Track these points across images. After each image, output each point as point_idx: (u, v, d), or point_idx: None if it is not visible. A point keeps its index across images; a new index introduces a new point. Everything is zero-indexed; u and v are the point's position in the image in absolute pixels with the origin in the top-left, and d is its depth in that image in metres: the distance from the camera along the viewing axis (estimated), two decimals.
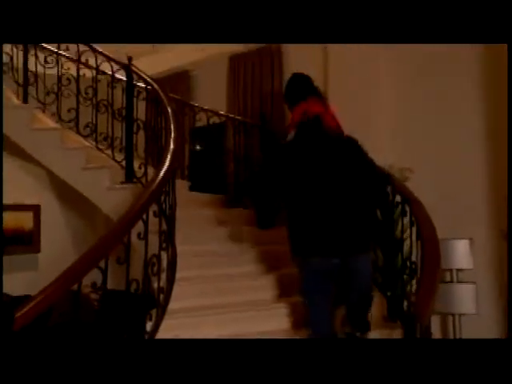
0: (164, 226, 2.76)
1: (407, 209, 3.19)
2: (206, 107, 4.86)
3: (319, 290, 2.66)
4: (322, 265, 2.62)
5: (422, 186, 3.50)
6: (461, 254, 3.50)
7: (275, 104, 4.71)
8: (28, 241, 4.91)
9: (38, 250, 4.96)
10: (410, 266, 3.10)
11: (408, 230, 3.20)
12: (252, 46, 4.87)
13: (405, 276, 3.24)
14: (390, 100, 4.15)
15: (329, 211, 2.62)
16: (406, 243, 3.29)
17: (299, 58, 4.65)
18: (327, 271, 2.63)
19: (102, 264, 2.22)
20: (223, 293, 3.01)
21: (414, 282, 3.01)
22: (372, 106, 4.15)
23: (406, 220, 3.24)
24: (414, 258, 3.05)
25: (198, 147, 4.59)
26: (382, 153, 3.96)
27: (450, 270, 3.54)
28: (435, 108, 3.95)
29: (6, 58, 3.78)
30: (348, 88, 4.23)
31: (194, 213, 3.77)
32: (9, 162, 4.72)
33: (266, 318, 2.93)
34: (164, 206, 2.74)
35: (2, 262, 2.77)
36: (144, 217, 2.46)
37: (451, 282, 3.53)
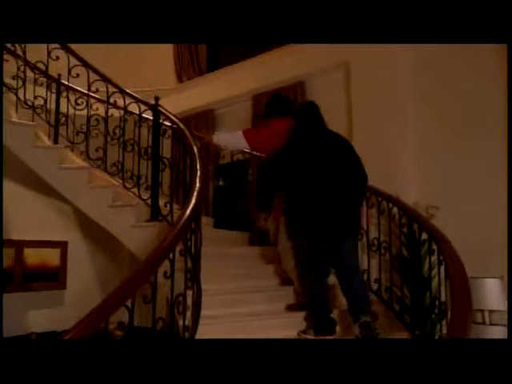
0: (189, 265, 2.76)
1: (434, 247, 3.14)
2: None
3: (318, 265, 3.11)
4: (321, 244, 3.08)
5: (448, 222, 3.46)
6: (492, 293, 3.39)
7: None
8: (55, 277, 4.97)
9: (64, 287, 5.02)
10: (439, 306, 3.02)
11: (436, 268, 3.14)
12: (275, 84, 4.95)
13: (433, 315, 3.17)
14: (413, 137, 4.16)
15: (327, 200, 3.02)
16: (434, 282, 3.23)
17: (321, 92, 4.72)
18: (325, 250, 3.09)
19: (128, 303, 2.22)
20: (249, 331, 2.97)
21: (443, 322, 2.93)
22: (396, 145, 4.15)
23: (434, 258, 3.19)
24: (443, 298, 2.98)
25: (222, 184, 4.64)
26: (407, 190, 3.96)
27: (482, 311, 3.42)
28: (457, 141, 3.92)
29: (40, 101, 3.92)
30: (371, 125, 4.26)
31: (219, 250, 3.77)
32: (38, 200, 4.86)
33: None
34: (189, 244, 2.75)
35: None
36: (170, 256, 2.47)
37: (483, 323, 3.42)
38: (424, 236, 3.46)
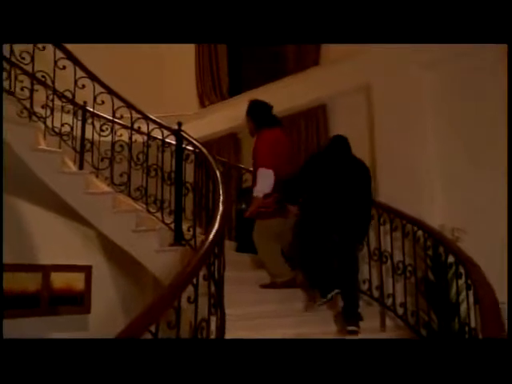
0: (213, 289, 2.76)
1: (462, 270, 3.07)
2: (251, 168, 4.95)
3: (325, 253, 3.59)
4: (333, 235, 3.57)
5: (474, 245, 3.39)
6: None
7: None
8: (79, 301, 5.01)
9: (88, 311, 5.05)
10: (468, 332, 2.94)
11: (464, 292, 3.07)
12: (297, 108, 4.99)
13: None
14: (436, 159, 4.11)
15: (340, 206, 3.55)
16: (463, 306, 3.15)
17: (343, 115, 4.73)
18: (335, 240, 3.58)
19: (152, 328, 2.22)
20: None
21: None
22: (419, 167, 4.11)
23: (461, 281, 3.11)
24: (472, 324, 2.90)
25: (244, 207, 4.63)
26: (432, 212, 3.91)
27: None
28: (483, 163, 3.86)
29: (67, 128, 4.01)
30: (393, 147, 4.24)
31: (242, 274, 3.76)
32: (63, 224, 4.94)
33: None
34: (213, 268, 2.75)
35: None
36: (194, 281, 2.47)
37: None
38: (450, 259, 3.39)
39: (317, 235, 3.58)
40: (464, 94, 4.01)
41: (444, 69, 4.09)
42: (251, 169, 4.81)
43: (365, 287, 4.06)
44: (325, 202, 3.57)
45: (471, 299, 2.89)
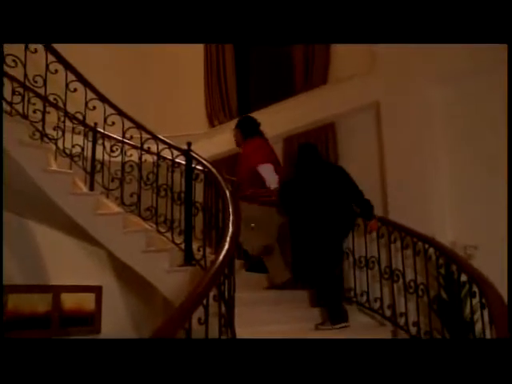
0: (223, 310, 2.74)
1: (475, 289, 3.03)
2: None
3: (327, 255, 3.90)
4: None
5: (489, 263, 3.34)
6: None
7: None
8: (90, 322, 4.99)
9: (98, 331, 5.03)
10: None
11: (478, 312, 3.02)
12: (305, 127, 5.00)
13: None
14: (447, 175, 4.09)
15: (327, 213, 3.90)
16: (478, 326, 3.10)
17: (352, 133, 4.73)
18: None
19: None
20: None
21: None
22: (430, 183, 4.10)
23: (476, 301, 3.07)
24: None
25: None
26: (443, 230, 3.87)
27: None
28: (494, 178, 3.81)
29: (77, 149, 4.05)
30: (403, 165, 4.23)
31: (252, 294, 3.75)
32: (74, 245, 4.95)
33: None
34: (223, 289, 2.74)
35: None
36: (204, 302, 2.46)
37: None
38: (463, 277, 3.35)
39: (319, 249, 3.89)
40: (473, 109, 4.01)
41: (452, 85, 4.09)
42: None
43: (376, 306, 4.02)
44: (312, 216, 3.93)
45: (486, 318, 2.85)
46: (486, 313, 2.88)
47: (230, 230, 2.94)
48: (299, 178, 4.14)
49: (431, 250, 3.73)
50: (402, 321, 3.82)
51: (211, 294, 2.60)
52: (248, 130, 4.57)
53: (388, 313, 3.95)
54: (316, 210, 3.91)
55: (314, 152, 4.24)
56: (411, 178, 4.15)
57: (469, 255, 3.54)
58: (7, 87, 3.75)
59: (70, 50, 3.88)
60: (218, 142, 5.77)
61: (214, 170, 3.67)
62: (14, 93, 3.77)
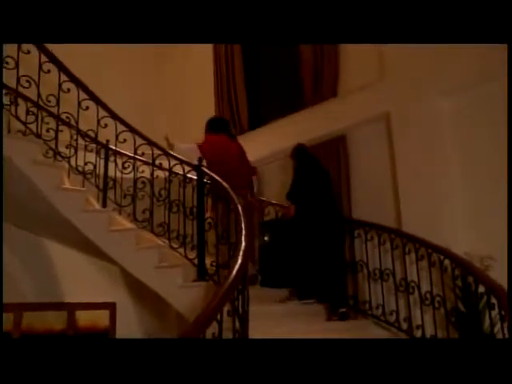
0: (237, 325, 2.72)
1: (494, 301, 2.97)
2: (274, 201, 4.97)
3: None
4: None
5: (505, 274, 3.28)
6: None
7: (342, 191, 4.71)
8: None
9: None
10: None
11: (498, 324, 2.96)
12: (316, 139, 5.00)
13: None
14: (461, 184, 4.05)
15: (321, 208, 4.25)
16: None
17: (363, 144, 4.71)
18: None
19: None
20: None
21: None
22: (443, 193, 4.06)
23: (495, 313, 3.01)
24: None
25: (267, 240, 4.62)
26: (458, 240, 3.82)
27: None
28: (505, 186, 3.77)
29: (90, 167, 4.09)
30: (416, 175, 4.20)
31: (266, 309, 3.72)
32: (87, 262, 4.97)
33: None
34: (237, 304, 2.72)
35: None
36: (218, 317, 2.44)
37: None
38: (481, 289, 3.29)
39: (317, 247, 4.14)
40: (484, 119, 3.98)
41: (463, 95, 4.07)
42: (274, 201, 4.89)
43: (392, 319, 3.97)
44: (310, 215, 4.22)
45: (506, 332, 2.79)
46: (506, 325, 2.82)
47: (243, 244, 2.93)
48: (306, 182, 4.38)
49: (446, 262, 3.67)
50: (418, 333, 3.76)
51: (225, 309, 2.58)
52: (209, 126, 4.78)
53: (404, 325, 3.90)
54: (313, 211, 4.22)
55: (311, 154, 4.58)
56: (424, 188, 4.11)
57: (486, 266, 3.48)
58: (22, 107, 3.81)
59: (81, 68, 3.95)
60: None
61: (225, 184, 3.67)
62: (28, 113, 3.83)
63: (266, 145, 5.46)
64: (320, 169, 4.52)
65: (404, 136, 4.35)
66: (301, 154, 4.57)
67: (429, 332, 3.70)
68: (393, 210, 4.31)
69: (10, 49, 3.60)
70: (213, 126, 4.74)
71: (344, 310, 4.00)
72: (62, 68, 3.83)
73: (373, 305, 4.12)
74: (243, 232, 3.06)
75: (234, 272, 2.65)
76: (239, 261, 2.75)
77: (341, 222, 4.36)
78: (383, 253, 4.14)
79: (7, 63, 3.64)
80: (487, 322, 3.21)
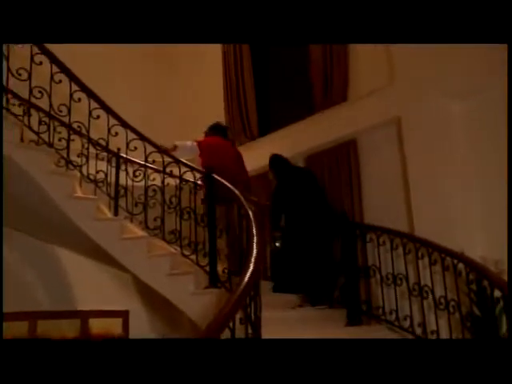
0: (250, 332, 2.70)
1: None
2: None
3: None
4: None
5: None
6: None
7: (354, 196, 4.69)
8: None
9: None
10: None
11: None
12: (327, 145, 4.99)
13: None
14: (474, 188, 4.02)
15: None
16: None
17: (374, 149, 4.69)
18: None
19: None
20: None
21: None
22: (456, 197, 4.03)
23: None
24: None
25: (278, 246, 4.60)
26: (472, 244, 3.79)
27: None
28: None
29: (101, 175, 4.11)
30: (428, 179, 4.17)
31: (279, 315, 3.70)
32: (99, 270, 4.99)
33: None
34: (249, 311, 2.71)
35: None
36: (230, 325, 2.43)
37: None
38: (497, 293, 3.25)
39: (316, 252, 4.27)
40: (495, 121, 3.94)
41: (473, 98, 4.04)
42: None
43: (406, 324, 3.93)
44: (301, 219, 4.35)
45: None
46: None
47: (255, 251, 2.92)
48: (286, 188, 4.56)
49: (460, 266, 3.64)
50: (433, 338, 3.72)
51: (237, 316, 2.57)
52: (209, 130, 5.03)
53: (419, 331, 3.85)
54: (303, 214, 4.36)
55: (285, 160, 4.79)
56: (436, 192, 4.08)
57: (501, 270, 3.44)
58: (34, 117, 3.85)
59: (91, 77, 3.99)
60: None
61: (236, 191, 3.67)
62: (40, 123, 3.87)
63: (278, 151, 5.44)
64: (299, 171, 4.77)
65: (415, 140, 4.33)
66: (276, 163, 4.78)
67: (444, 337, 3.65)
68: (405, 215, 4.28)
69: (22, 60, 3.66)
70: (211, 129, 5.00)
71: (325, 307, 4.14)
72: (72, 78, 3.87)
73: (386, 310, 4.09)
74: (255, 239, 3.05)
75: (246, 279, 2.64)
76: (251, 267, 2.74)
77: (332, 217, 4.47)
78: (396, 257, 4.10)
79: (20, 74, 3.68)
80: (504, 327, 3.16)
